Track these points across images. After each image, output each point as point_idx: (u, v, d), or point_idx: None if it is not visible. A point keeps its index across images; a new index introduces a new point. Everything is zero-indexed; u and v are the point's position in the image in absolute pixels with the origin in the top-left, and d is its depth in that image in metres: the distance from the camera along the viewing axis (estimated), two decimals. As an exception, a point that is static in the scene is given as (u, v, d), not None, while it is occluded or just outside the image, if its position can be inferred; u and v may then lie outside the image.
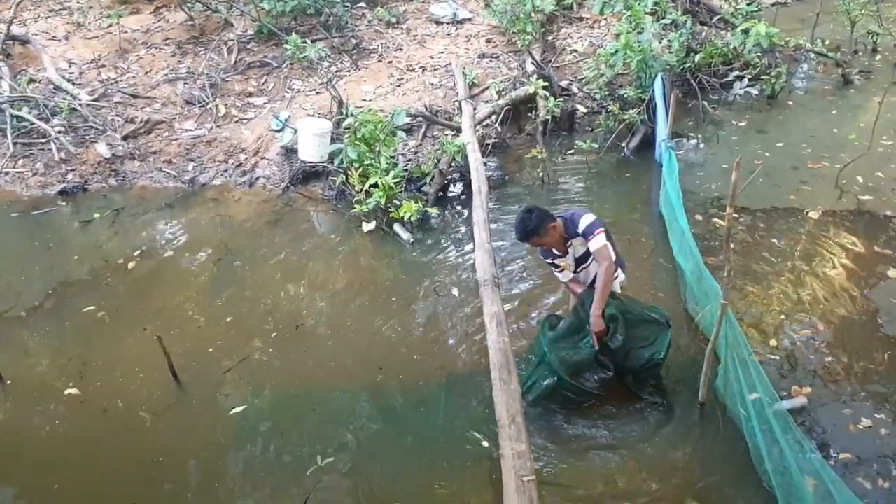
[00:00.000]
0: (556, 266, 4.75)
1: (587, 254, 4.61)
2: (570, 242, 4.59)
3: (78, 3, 11.23)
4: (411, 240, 6.81)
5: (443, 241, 6.87)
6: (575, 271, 4.75)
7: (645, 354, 4.58)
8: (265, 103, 9.34)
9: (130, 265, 6.75)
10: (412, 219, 6.77)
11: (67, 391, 5.22)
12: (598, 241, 4.43)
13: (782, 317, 5.46)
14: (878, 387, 4.76)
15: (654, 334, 4.63)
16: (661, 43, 8.35)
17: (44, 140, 8.53)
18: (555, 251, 4.64)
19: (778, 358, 5.04)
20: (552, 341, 4.62)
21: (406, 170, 7.59)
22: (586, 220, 4.50)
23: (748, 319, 5.37)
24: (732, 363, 4.36)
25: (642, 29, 8.24)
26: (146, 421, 4.98)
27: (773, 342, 5.19)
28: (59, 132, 8.49)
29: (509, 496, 3.31)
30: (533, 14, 9.53)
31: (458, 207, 7.44)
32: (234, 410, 5.02)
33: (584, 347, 4.59)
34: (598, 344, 4.51)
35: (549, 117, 8.32)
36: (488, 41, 10.48)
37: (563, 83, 9.26)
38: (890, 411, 4.56)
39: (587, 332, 4.57)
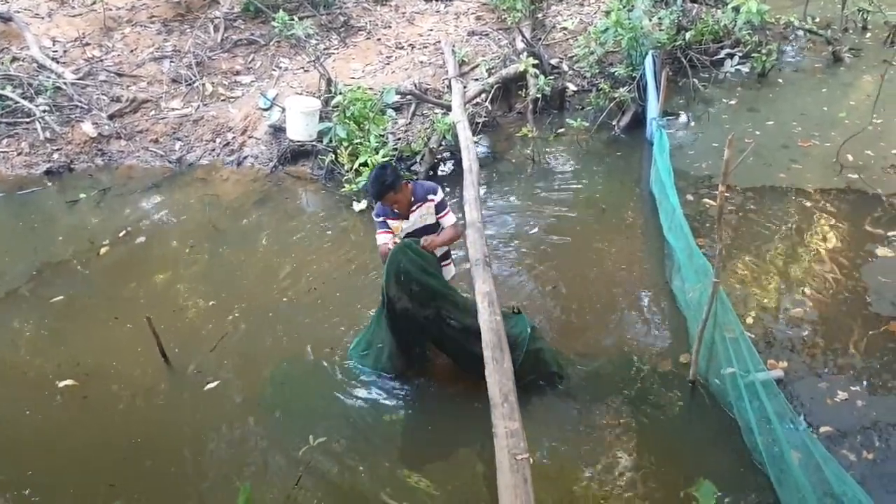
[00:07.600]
0: (386, 226, 4.56)
1: (433, 226, 4.61)
2: (415, 206, 4.53)
3: (60, -21, 11.01)
4: (402, 219, 6.77)
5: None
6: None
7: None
8: (252, 81, 9.24)
9: (117, 246, 6.68)
10: (402, 198, 6.70)
11: (58, 383, 5.11)
12: (451, 219, 4.60)
13: (768, 295, 5.49)
14: (854, 360, 4.81)
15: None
16: (651, 20, 8.31)
17: (28, 119, 8.41)
18: (396, 210, 4.52)
19: (754, 335, 5.06)
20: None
21: (396, 148, 7.53)
22: (441, 194, 4.59)
23: (734, 297, 5.39)
24: (722, 341, 4.38)
25: (633, 6, 8.20)
26: (129, 403, 4.92)
27: (749, 319, 5.22)
28: (44, 111, 8.37)
29: (503, 474, 3.30)
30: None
31: (449, 186, 7.40)
32: (208, 386, 4.98)
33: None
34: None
35: (539, 95, 8.27)
36: (478, 18, 10.39)
37: (554, 61, 9.20)
38: (867, 384, 4.62)
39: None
